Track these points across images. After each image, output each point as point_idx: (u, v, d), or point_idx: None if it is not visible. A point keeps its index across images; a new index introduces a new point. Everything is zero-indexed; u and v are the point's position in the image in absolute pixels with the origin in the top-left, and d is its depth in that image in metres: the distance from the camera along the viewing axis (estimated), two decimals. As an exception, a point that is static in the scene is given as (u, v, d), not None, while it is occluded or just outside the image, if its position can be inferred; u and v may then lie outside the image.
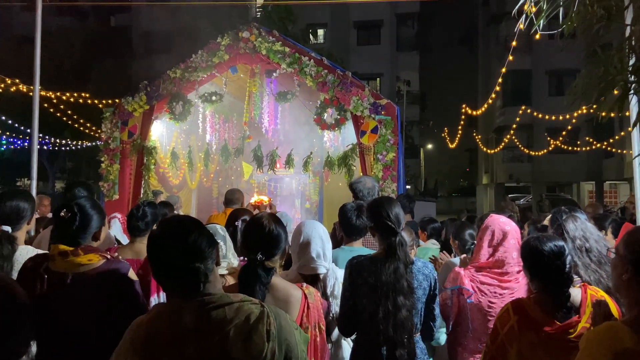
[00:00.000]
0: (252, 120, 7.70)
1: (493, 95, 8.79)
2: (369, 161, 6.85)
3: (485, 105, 11.04)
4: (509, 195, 27.75)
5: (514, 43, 5.19)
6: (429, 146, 39.24)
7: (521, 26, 4.36)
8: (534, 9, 3.90)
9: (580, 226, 2.64)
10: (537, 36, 3.98)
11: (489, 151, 24.54)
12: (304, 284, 2.12)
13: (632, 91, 1.68)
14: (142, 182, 7.68)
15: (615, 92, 1.69)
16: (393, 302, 2.18)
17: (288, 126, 8.39)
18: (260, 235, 2.00)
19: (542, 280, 2.05)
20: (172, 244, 1.44)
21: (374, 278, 2.26)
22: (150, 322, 1.43)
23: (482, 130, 31.35)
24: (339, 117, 6.97)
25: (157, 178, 8.27)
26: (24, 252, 2.48)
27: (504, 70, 6.59)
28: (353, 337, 2.46)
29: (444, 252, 3.85)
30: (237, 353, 1.34)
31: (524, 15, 3.74)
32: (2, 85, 9.32)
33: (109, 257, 2.16)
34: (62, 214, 2.12)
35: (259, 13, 8.64)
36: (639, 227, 1.71)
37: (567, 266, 2.03)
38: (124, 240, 3.86)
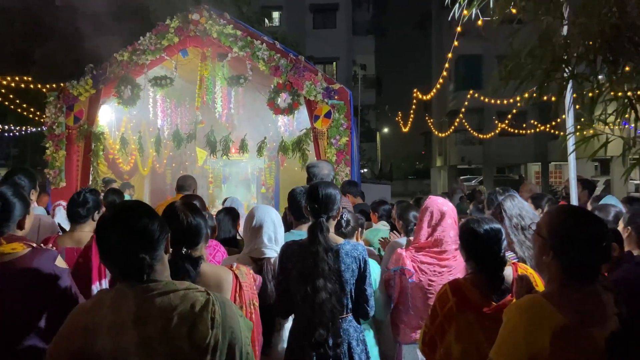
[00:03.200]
0: (204, 105, 7.59)
1: (441, 80, 9.02)
2: (322, 145, 6.91)
3: (434, 90, 11.30)
4: (461, 177, 28.69)
5: (458, 29, 5.33)
6: (385, 130, 39.76)
7: (465, 12, 4.49)
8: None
9: (517, 205, 2.79)
10: (480, 22, 4.12)
11: (440, 135, 25.17)
12: (235, 264, 2.16)
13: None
14: (91, 168, 7.47)
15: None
16: (312, 285, 2.25)
17: (242, 111, 8.31)
18: (179, 228, 1.97)
19: (478, 262, 2.15)
20: (120, 230, 1.44)
21: (300, 263, 2.33)
22: (93, 308, 1.44)
23: (435, 114, 32.04)
24: (292, 101, 6.97)
25: (107, 165, 8.04)
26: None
27: (450, 55, 6.77)
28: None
29: (394, 232, 3.97)
30: (180, 340, 1.36)
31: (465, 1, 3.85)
32: None
33: (34, 245, 2.10)
34: None
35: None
36: (561, 209, 1.81)
37: (502, 250, 2.14)
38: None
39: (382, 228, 4.73)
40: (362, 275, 2.41)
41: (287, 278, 2.41)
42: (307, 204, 2.46)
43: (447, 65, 6.96)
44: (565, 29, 1.71)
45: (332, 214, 2.40)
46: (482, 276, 2.10)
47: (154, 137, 8.49)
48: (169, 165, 9.97)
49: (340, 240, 2.45)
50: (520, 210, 2.83)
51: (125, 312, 1.38)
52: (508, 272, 2.20)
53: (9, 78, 9.76)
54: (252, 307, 2.03)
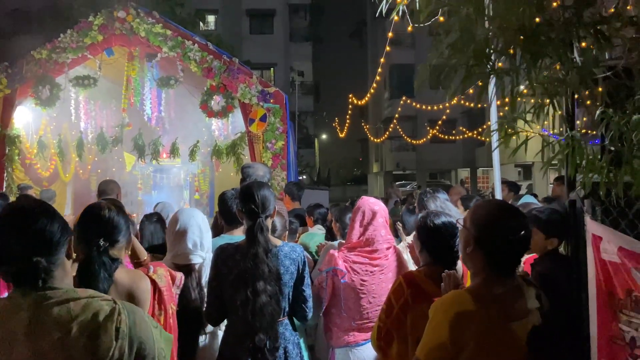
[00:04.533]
0: (132, 107, 7.23)
1: (374, 85, 9.19)
2: (258, 149, 6.79)
3: (368, 96, 11.50)
4: (397, 183, 29.48)
5: (390, 34, 5.43)
6: (323, 136, 40.10)
7: (396, 18, 4.56)
8: (406, 2, 4.09)
9: (440, 205, 2.84)
10: (409, 29, 4.20)
11: (376, 140, 25.79)
12: (151, 268, 2.01)
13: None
14: (5, 174, 6.89)
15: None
16: (252, 288, 2.15)
17: (174, 114, 8.00)
18: (98, 221, 1.85)
19: (433, 255, 2.16)
20: (11, 231, 1.28)
21: (237, 266, 2.21)
22: None
23: (372, 121, 32.82)
24: (226, 104, 6.80)
25: (24, 170, 7.46)
26: None
27: (382, 60, 6.90)
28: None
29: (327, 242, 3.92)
30: (79, 353, 1.23)
31: (397, 9, 3.90)
32: None
33: None
34: None
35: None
36: (483, 202, 1.85)
37: (457, 244, 2.15)
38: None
39: (317, 232, 4.68)
40: (300, 276, 2.33)
41: (222, 283, 2.27)
42: (242, 205, 2.32)
43: (380, 69, 7.07)
44: (486, 23, 1.73)
45: (269, 213, 2.30)
46: (436, 268, 2.10)
47: (76, 141, 7.97)
48: (93, 171, 9.40)
49: (278, 242, 2.36)
50: (443, 209, 2.88)
51: (17, 323, 1.23)
52: (459, 266, 2.22)
53: None
54: (170, 311, 1.89)
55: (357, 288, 2.63)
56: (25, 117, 7.49)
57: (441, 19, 2.88)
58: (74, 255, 1.39)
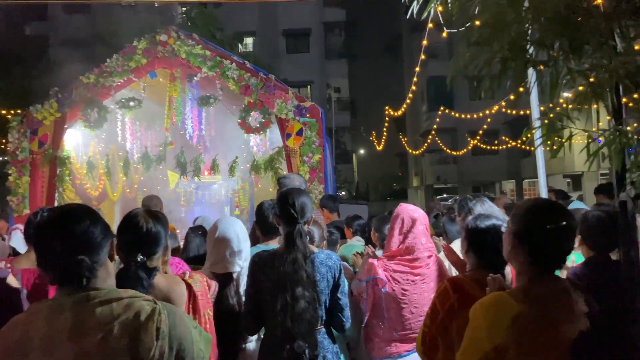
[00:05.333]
0: (174, 126, 7.46)
1: (410, 95, 9.11)
2: (295, 164, 6.83)
3: (405, 106, 11.41)
4: (438, 197, 28.95)
5: (424, 42, 5.39)
6: (361, 151, 40.05)
7: (430, 25, 4.53)
8: (441, 8, 4.05)
9: (487, 208, 2.75)
10: (444, 34, 4.16)
11: (414, 152, 25.49)
12: (187, 273, 2.03)
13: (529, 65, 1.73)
14: (56, 194, 7.21)
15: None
16: (291, 293, 2.14)
17: (213, 131, 8.20)
18: (136, 234, 1.87)
19: (480, 258, 2.09)
20: (56, 232, 1.33)
21: (275, 272, 2.20)
22: (27, 320, 1.32)
23: (410, 134, 32.52)
24: (263, 120, 6.90)
25: (74, 190, 7.79)
26: None
27: (418, 69, 6.85)
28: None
29: (369, 245, 3.88)
30: (121, 353, 1.24)
31: (428, 8, 3.86)
32: None
33: None
34: None
35: (182, 18, 8.43)
36: (527, 200, 1.78)
37: None
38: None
39: (356, 243, 4.63)
40: (336, 284, 2.30)
41: (259, 290, 2.27)
42: (280, 212, 2.32)
43: (415, 79, 7.02)
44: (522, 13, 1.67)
45: (306, 219, 2.30)
46: (483, 272, 2.02)
47: (123, 161, 8.28)
48: (140, 190, 9.71)
49: (314, 249, 2.34)
50: (491, 213, 2.78)
51: (61, 324, 1.26)
52: (507, 271, 2.15)
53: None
54: (206, 317, 1.90)
55: (399, 298, 2.57)
56: (75, 139, 7.84)
57: (477, 22, 2.83)
58: (117, 257, 1.43)
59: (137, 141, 8.35)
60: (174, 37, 6.90)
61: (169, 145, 7.91)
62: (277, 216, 2.36)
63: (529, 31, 1.66)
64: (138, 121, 8.37)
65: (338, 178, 24.48)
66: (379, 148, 21.49)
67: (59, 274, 1.33)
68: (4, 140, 11.55)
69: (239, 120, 6.93)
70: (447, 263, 2.87)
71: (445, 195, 31.20)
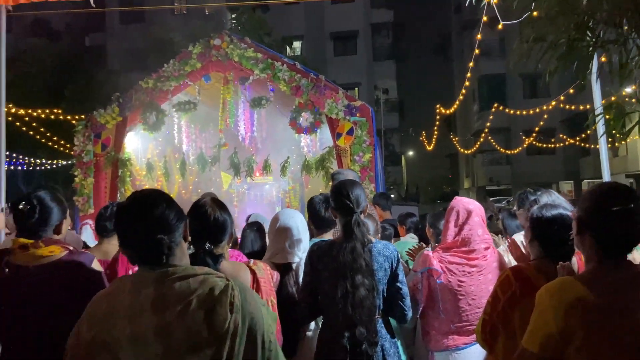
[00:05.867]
0: (227, 128, 7.67)
1: (463, 91, 8.90)
2: (345, 163, 6.86)
3: (456, 105, 11.16)
4: (491, 198, 28.11)
5: (479, 36, 5.27)
6: (410, 153, 39.54)
7: (485, 18, 4.44)
8: (496, 0, 3.96)
9: (554, 199, 2.66)
10: (500, 26, 4.06)
11: (465, 152, 24.83)
12: (252, 261, 2.09)
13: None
14: (118, 194, 7.58)
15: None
16: (351, 281, 2.15)
17: (265, 133, 8.37)
18: (206, 223, 1.95)
19: (545, 248, 2.04)
20: (138, 214, 1.44)
21: (333, 261, 2.23)
22: (112, 293, 1.43)
23: (461, 135, 31.78)
24: (314, 120, 6.98)
25: (134, 191, 8.16)
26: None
27: (471, 64, 6.70)
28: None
29: (421, 243, 3.84)
30: (198, 324, 1.32)
31: (485, 4, 3.78)
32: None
33: (71, 248, 2.11)
34: (21, 206, 2.06)
35: (232, 24, 8.69)
36: (595, 185, 1.72)
37: (571, 237, 2.01)
38: (95, 246, 3.79)
39: (410, 241, 4.60)
40: (394, 273, 2.31)
41: (317, 279, 2.31)
42: (335, 204, 2.35)
43: (468, 74, 6.87)
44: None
45: (362, 209, 2.32)
46: (547, 262, 1.97)
47: (179, 162, 8.61)
48: (194, 191, 10.05)
49: (372, 239, 2.36)
50: (558, 204, 2.68)
51: (144, 296, 1.36)
52: (574, 261, 2.08)
53: (39, 111, 10.13)
54: (269, 304, 1.96)
55: (455, 289, 2.54)
56: (135, 142, 8.23)
57: (535, 13, 2.75)
58: (189, 238, 1.51)
59: (192, 143, 8.66)
60: (227, 41, 7.11)
61: (222, 147, 8.15)
62: (333, 209, 2.39)
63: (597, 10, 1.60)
64: (193, 124, 8.68)
65: (387, 180, 24.30)
66: (429, 148, 21.13)
67: (141, 252, 1.43)
68: (68, 145, 12.31)
69: (290, 121, 7.04)
70: (507, 258, 2.80)
71: (498, 197, 30.29)
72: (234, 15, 20.22)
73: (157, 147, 8.68)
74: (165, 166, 8.57)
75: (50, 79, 16.93)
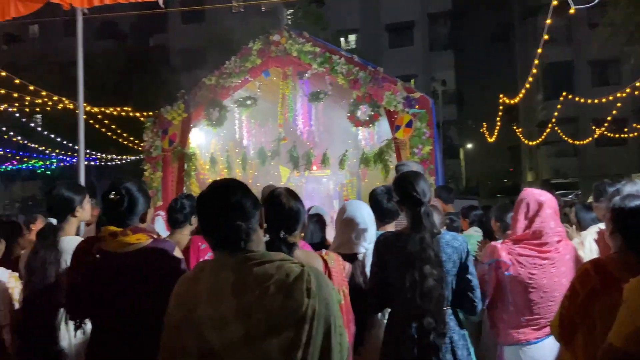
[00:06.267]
0: (286, 122, 7.80)
1: (530, 80, 8.52)
2: (404, 156, 6.78)
3: (521, 94, 10.69)
4: (557, 192, 26.79)
5: (548, 21, 5.03)
6: (469, 146, 38.41)
7: (554, 2, 4.24)
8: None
9: (638, 189, 2.52)
10: (572, 10, 3.88)
11: (530, 143, 23.71)
12: (324, 251, 2.13)
13: None
14: (184, 187, 7.91)
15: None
16: (419, 271, 2.16)
17: (322, 127, 8.44)
18: (281, 212, 2.02)
19: (627, 240, 1.94)
20: (217, 202, 1.52)
21: (401, 251, 2.23)
22: (195, 277, 1.52)
23: (524, 126, 30.47)
24: (372, 113, 6.95)
25: (199, 185, 8.49)
26: (72, 242, 2.55)
27: (539, 50, 6.40)
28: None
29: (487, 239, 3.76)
30: (277, 307, 1.37)
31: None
32: (50, 103, 9.85)
33: (155, 236, 2.24)
34: (112, 196, 2.21)
35: (290, 20, 8.82)
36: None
37: None
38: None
39: (474, 234, 4.51)
40: (463, 265, 2.29)
41: (385, 269, 2.32)
42: (401, 196, 2.36)
43: (534, 70, 6.57)
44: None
45: (428, 199, 2.31)
46: (630, 255, 1.89)
47: (241, 156, 8.85)
48: (254, 184, 10.28)
49: (440, 230, 2.35)
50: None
51: (224, 280, 1.43)
52: None
53: (111, 108, 10.72)
54: (341, 293, 2.00)
55: (525, 282, 2.47)
56: (199, 137, 8.55)
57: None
58: (265, 225, 1.58)
59: (252, 138, 8.88)
60: (285, 37, 7.21)
61: (282, 141, 8.30)
62: (398, 201, 2.39)
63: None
64: (253, 119, 8.89)
65: (445, 173, 23.77)
66: (491, 140, 20.41)
67: (220, 237, 1.51)
68: (137, 141, 12.96)
69: (348, 114, 7.05)
70: (581, 253, 2.69)
71: (564, 191, 28.86)
72: (290, 11, 20.47)
73: (220, 142, 8.97)
74: (227, 160, 8.86)
75: (118, 78, 17.88)
